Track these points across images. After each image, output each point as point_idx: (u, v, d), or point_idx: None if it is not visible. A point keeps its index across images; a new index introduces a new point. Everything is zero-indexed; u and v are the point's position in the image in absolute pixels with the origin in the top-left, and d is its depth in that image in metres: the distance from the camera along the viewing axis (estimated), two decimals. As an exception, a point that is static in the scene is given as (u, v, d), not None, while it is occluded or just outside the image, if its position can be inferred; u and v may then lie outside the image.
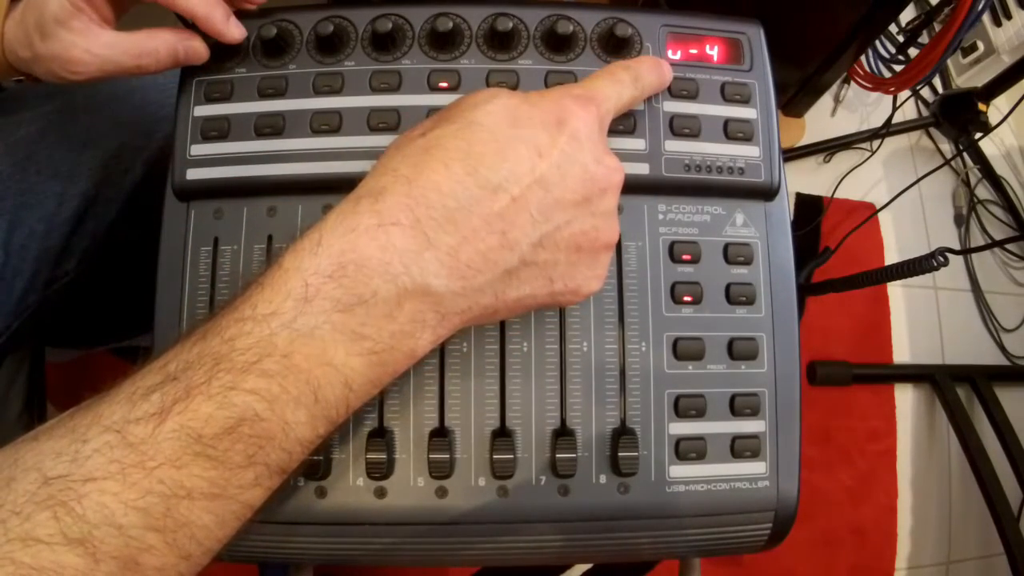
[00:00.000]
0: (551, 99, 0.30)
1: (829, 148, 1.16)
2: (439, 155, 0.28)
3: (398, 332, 0.27)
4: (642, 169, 0.38)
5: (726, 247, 0.39)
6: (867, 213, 1.11)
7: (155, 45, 0.36)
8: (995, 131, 1.10)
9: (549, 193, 0.29)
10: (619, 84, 0.34)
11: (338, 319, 0.26)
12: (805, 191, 1.15)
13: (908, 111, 1.20)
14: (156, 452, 0.23)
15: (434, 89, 0.38)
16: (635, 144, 0.38)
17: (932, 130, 1.21)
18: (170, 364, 0.25)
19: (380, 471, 0.35)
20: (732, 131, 0.39)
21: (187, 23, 0.38)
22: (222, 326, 0.26)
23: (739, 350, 0.38)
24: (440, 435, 0.36)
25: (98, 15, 0.35)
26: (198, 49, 0.37)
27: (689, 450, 0.37)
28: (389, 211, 0.27)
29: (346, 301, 0.26)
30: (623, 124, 0.38)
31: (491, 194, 0.28)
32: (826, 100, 1.19)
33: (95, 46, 0.35)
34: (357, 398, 0.28)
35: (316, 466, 0.35)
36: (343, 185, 0.37)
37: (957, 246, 1.18)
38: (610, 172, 0.31)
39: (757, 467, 0.38)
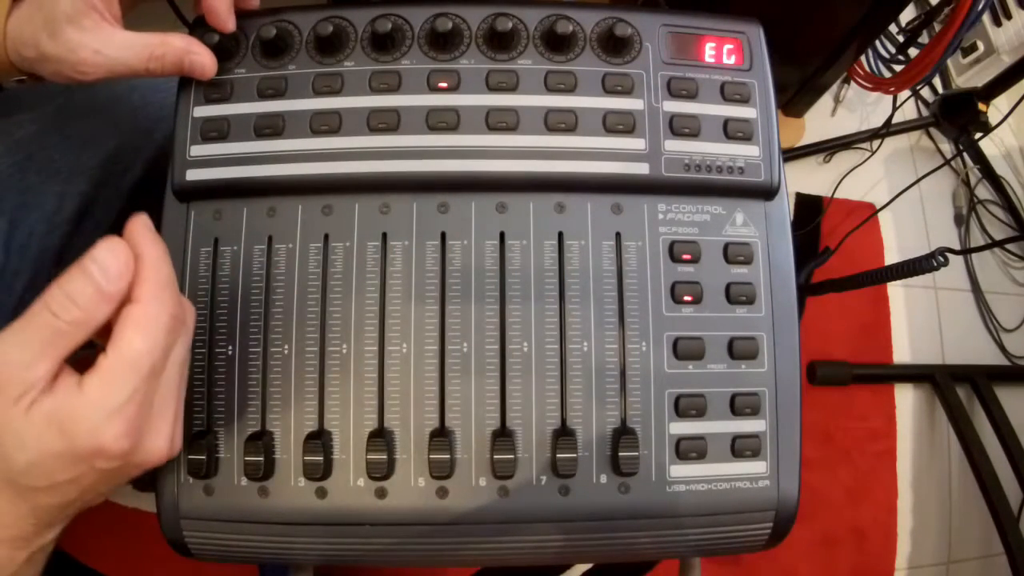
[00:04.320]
0: None
1: (829, 148, 1.15)
2: None
3: None
4: (642, 169, 0.38)
5: (726, 247, 0.39)
6: (867, 213, 1.11)
7: (164, 51, 0.36)
8: (995, 131, 1.10)
9: None
10: None
11: None
12: (805, 191, 1.15)
13: (908, 111, 1.20)
14: None
15: (434, 89, 0.38)
16: (635, 144, 0.38)
17: (932, 130, 1.21)
18: None
19: (381, 471, 0.35)
20: (732, 131, 0.39)
21: (188, 25, 0.38)
22: None
23: (739, 350, 0.38)
24: (440, 435, 0.36)
25: (109, 13, 0.35)
26: (205, 63, 0.37)
27: (689, 450, 0.37)
28: None
29: None
30: (623, 123, 0.38)
31: None
32: (826, 100, 1.19)
33: (105, 47, 0.35)
34: None
35: (317, 467, 0.35)
36: (343, 185, 0.37)
37: (957, 246, 1.18)
38: None
39: (757, 467, 0.38)
